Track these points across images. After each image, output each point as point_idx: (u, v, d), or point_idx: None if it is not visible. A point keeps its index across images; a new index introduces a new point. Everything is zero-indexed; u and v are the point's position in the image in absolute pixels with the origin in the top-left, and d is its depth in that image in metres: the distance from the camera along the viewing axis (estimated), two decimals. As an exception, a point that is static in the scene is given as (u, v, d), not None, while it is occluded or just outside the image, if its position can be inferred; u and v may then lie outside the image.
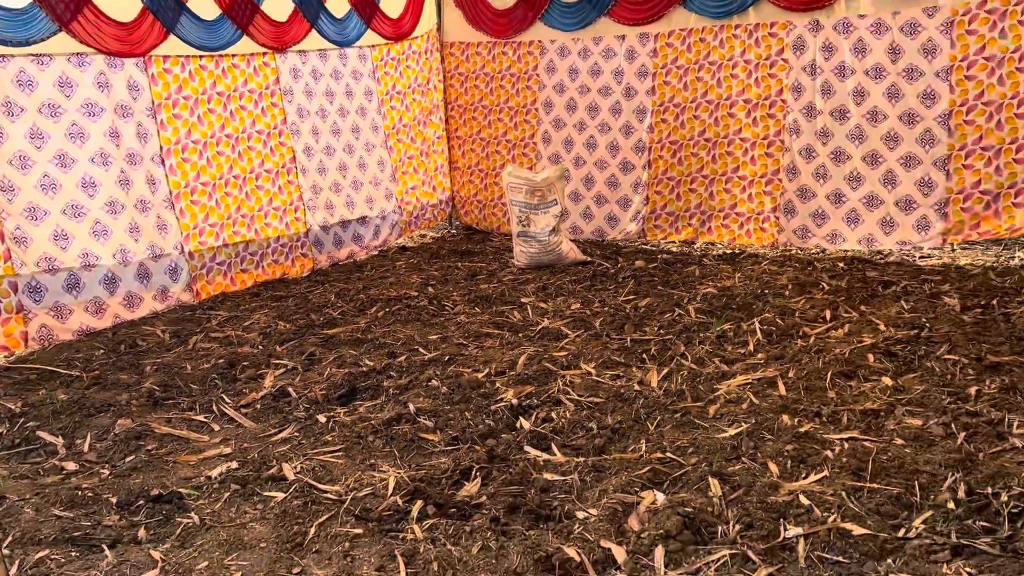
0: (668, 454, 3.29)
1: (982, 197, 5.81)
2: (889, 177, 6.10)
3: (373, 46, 7.40)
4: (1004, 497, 2.74)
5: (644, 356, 4.44)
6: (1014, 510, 2.65)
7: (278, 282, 6.55)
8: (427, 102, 7.97)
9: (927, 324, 4.53)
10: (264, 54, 6.49)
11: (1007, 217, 5.78)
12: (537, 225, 6.40)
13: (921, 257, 6.16)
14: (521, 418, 3.71)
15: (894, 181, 6.08)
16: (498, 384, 4.11)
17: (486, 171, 8.00)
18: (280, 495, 3.17)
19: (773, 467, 3.12)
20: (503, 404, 3.84)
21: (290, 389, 4.23)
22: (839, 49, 6.10)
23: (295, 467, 3.38)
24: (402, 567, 2.63)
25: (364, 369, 4.43)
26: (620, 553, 2.61)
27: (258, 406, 4.08)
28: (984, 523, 2.63)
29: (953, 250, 6.18)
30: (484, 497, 3.03)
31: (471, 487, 3.12)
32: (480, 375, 4.25)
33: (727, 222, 6.87)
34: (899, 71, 5.94)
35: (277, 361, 4.69)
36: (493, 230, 8.04)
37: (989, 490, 2.80)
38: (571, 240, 6.87)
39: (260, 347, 4.95)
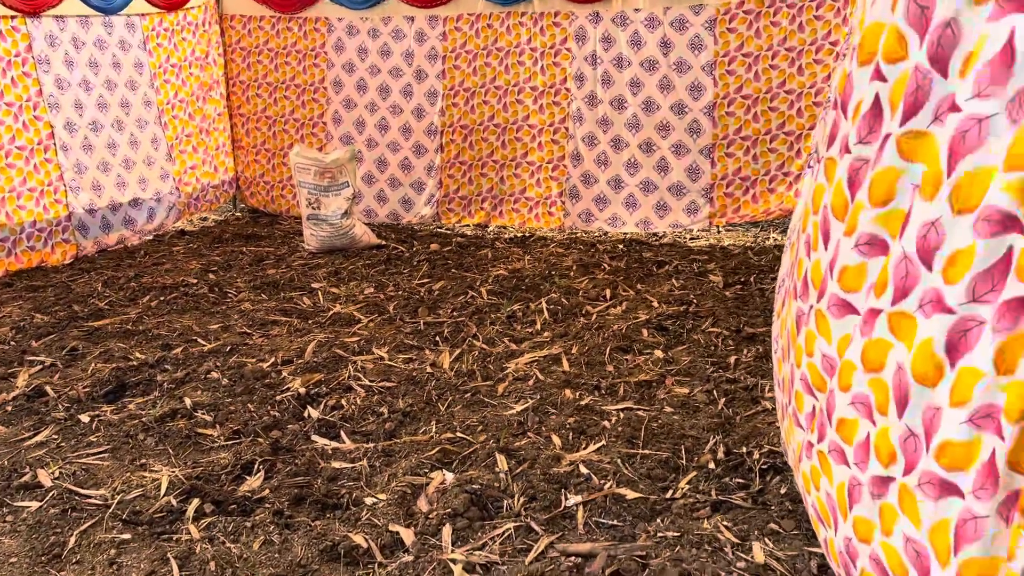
0: (458, 434, 3.33)
1: (742, 183, 6.38)
2: (662, 164, 6.53)
3: (143, 15, 6.82)
4: (756, 455, 3.02)
5: (437, 339, 4.45)
6: (764, 466, 2.94)
7: (35, 271, 5.90)
8: (206, 77, 7.48)
9: (694, 300, 4.91)
10: (13, 17, 5.79)
11: (763, 201, 6.39)
12: (328, 208, 6.23)
13: (691, 238, 6.65)
14: (309, 407, 3.60)
15: (666, 168, 6.51)
16: (285, 373, 3.96)
17: (273, 151, 7.66)
18: (35, 504, 2.86)
19: (556, 440, 3.25)
20: (290, 394, 3.71)
21: (47, 388, 3.83)
22: (617, 41, 6.43)
23: (52, 472, 3.07)
24: (175, 570, 2.46)
25: (134, 363, 4.10)
26: (408, 535, 2.60)
27: (9, 408, 3.66)
28: (739, 480, 2.89)
29: (719, 232, 6.74)
30: (267, 491, 2.91)
31: (253, 481, 2.98)
32: (265, 365, 4.07)
33: (517, 206, 7.05)
34: (670, 64, 6.35)
35: (32, 358, 4.22)
36: (282, 213, 7.73)
37: (744, 449, 3.08)
38: (365, 223, 6.75)
39: (12, 343, 4.44)
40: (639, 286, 5.28)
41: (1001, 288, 1.25)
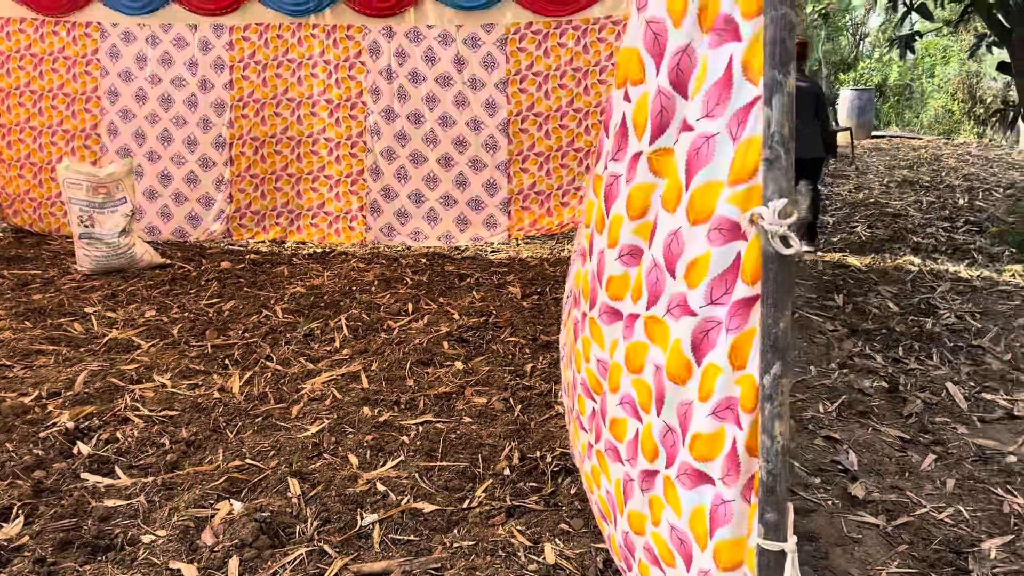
0: (248, 461, 3.17)
1: (537, 197, 6.61)
2: (461, 179, 6.63)
3: None
4: (549, 458, 3.12)
5: (227, 362, 4.23)
6: (556, 469, 3.04)
7: None
8: (-46, 82, 6.70)
9: (494, 311, 5.01)
10: None
11: (557, 215, 6.65)
12: (103, 226, 5.75)
13: (492, 251, 6.79)
14: (79, 443, 3.29)
15: (465, 183, 6.62)
16: (51, 407, 3.59)
17: (40, 165, 6.97)
18: None
19: (353, 459, 3.18)
20: (56, 430, 3.36)
21: None
22: (412, 56, 6.46)
23: None
24: (-92, 643, 2.15)
25: None
26: (191, 571, 2.44)
27: None
28: (533, 483, 2.97)
29: (517, 244, 6.93)
30: (27, 537, 2.62)
31: (10, 529, 2.67)
32: (27, 399, 3.67)
33: (316, 221, 6.88)
34: (465, 80, 6.47)
35: None
36: (51, 232, 7.05)
37: (538, 454, 3.17)
38: (147, 242, 6.30)
39: None
40: (441, 299, 5.31)
41: (732, 291, 1.38)
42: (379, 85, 6.56)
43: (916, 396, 3.76)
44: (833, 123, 13.15)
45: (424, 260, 6.36)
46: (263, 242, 6.95)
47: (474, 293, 5.44)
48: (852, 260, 6.26)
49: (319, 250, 6.76)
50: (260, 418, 3.57)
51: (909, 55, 6.30)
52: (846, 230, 7.25)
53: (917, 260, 6.24)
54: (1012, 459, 3.16)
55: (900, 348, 4.41)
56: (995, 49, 6.28)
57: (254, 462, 3.16)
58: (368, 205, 6.76)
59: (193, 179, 6.81)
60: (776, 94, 1.16)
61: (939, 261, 6.22)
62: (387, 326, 4.77)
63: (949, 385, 3.87)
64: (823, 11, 16.64)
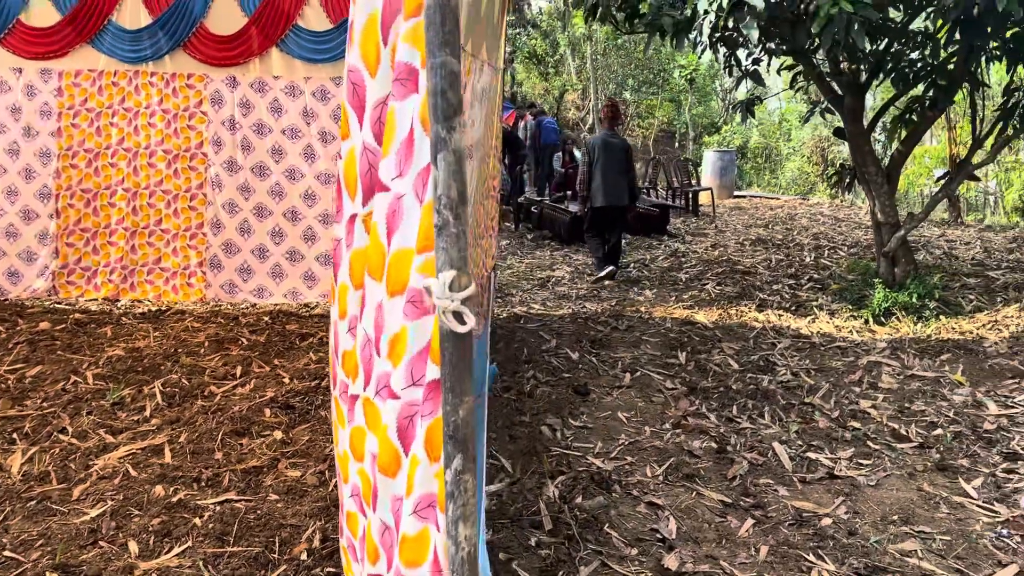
0: (6, 553, 2.78)
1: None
2: (310, 234, 6.37)
3: None
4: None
5: (15, 435, 3.79)
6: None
7: None
8: None
9: (328, 373, 4.74)
10: None
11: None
12: None
13: (342, 309, 6.51)
14: None
15: (314, 237, 6.36)
16: None
17: None
18: None
19: (133, 546, 2.84)
20: None
21: None
22: (256, 107, 6.22)
23: None
24: None
25: None
26: None
27: None
28: (331, 568, 2.71)
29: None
30: None
31: None
32: None
33: (152, 277, 6.44)
34: (315, 133, 6.27)
35: None
36: None
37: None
38: (-47, 301, 5.72)
39: None
40: (276, 361, 5.00)
41: (427, 371, 1.23)
42: (221, 136, 6.26)
43: (743, 457, 3.73)
44: (695, 182, 13.66)
45: (267, 318, 6.03)
46: (94, 300, 6.45)
47: (311, 355, 5.16)
48: (700, 317, 6.35)
49: (155, 308, 6.32)
50: (34, 501, 3.18)
51: (751, 118, 6.57)
52: (697, 287, 7.39)
53: (762, 317, 6.39)
54: (827, 522, 3.14)
55: (735, 407, 4.42)
56: (827, 115, 6.60)
57: (13, 554, 2.78)
58: (208, 260, 6.39)
59: (14, 232, 6.27)
60: (441, 151, 1.02)
61: (782, 318, 6.38)
62: (208, 392, 4.43)
63: (776, 444, 3.87)
64: (688, 76, 17.49)
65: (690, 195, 12.80)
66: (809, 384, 4.82)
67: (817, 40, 4.67)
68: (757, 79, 5.51)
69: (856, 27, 4.54)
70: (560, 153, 14.33)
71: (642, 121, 21.66)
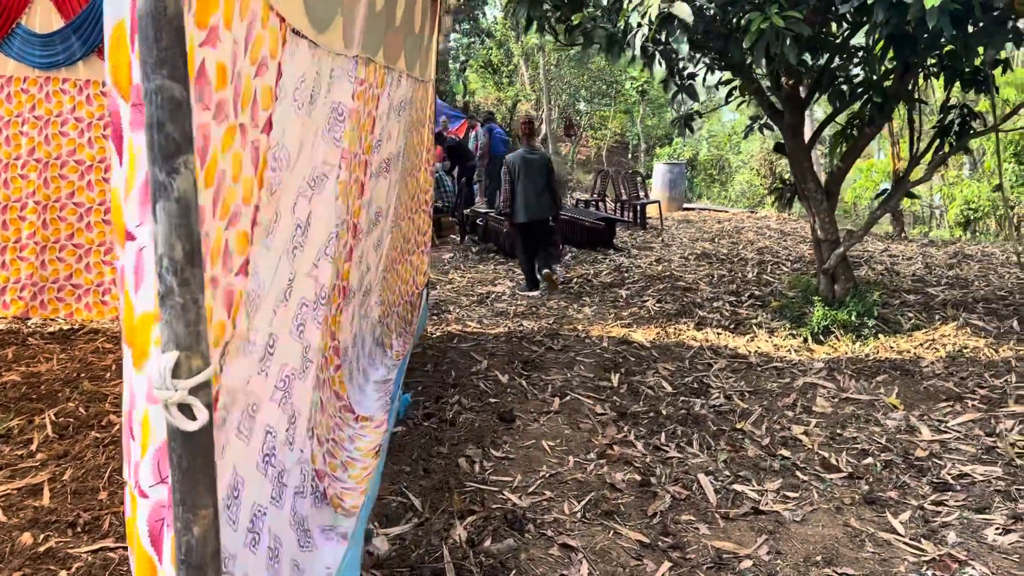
0: None
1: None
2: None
3: None
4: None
5: None
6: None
7: None
8: None
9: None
10: None
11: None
12: None
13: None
14: None
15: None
16: None
17: None
18: None
19: (-15, 607, 2.56)
20: None
21: None
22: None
23: None
24: None
25: None
26: None
27: None
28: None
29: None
30: None
31: None
32: None
33: (63, 295, 6.10)
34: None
35: None
36: None
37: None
38: None
39: None
40: (187, 386, 4.71)
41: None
42: (138, 146, 5.95)
43: (667, 490, 3.56)
44: (643, 195, 13.60)
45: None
46: (3, 319, 6.08)
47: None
48: (638, 336, 6.20)
49: (68, 327, 5.98)
50: None
51: (691, 133, 6.47)
52: (638, 304, 7.25)
53: (700, 336, 6.26)
54: (747, 564, 2.97)
55: (664, 434, 4.25)
56: (766, 131, 6.52)
57: None
58: (124, 278, 6.06)
59: (-88, 247, 5.89)
60: (161, 200, 0.82)
61: (721, 336, 6.26)
62: (106, 422, 4.14)
63: (702, 476, 3.71)
64: (639, 88, 17.50)
65: (638, 208, 12.73)
66: (742, 408, 4.69)
67: (751, 55, 4.56)
68: (691, 94, 5.40)
69: (788, 42, 4.44)
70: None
71: (595, 132, 21.63)
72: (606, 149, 22.40)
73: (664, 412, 4.57)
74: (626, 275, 8.61)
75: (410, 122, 5.01)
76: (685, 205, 15.56)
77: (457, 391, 4.81)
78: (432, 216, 10.79)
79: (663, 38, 4.51)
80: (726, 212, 15.01)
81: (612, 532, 3.19)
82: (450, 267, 9.21)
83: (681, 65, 5.66)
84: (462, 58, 20.86)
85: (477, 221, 10.92)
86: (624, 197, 13.09)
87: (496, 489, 3.54)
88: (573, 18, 5.23)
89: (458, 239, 11.04)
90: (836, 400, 4.86)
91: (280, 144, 1.79)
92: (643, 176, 14.13)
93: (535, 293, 7.68)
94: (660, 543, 3.11)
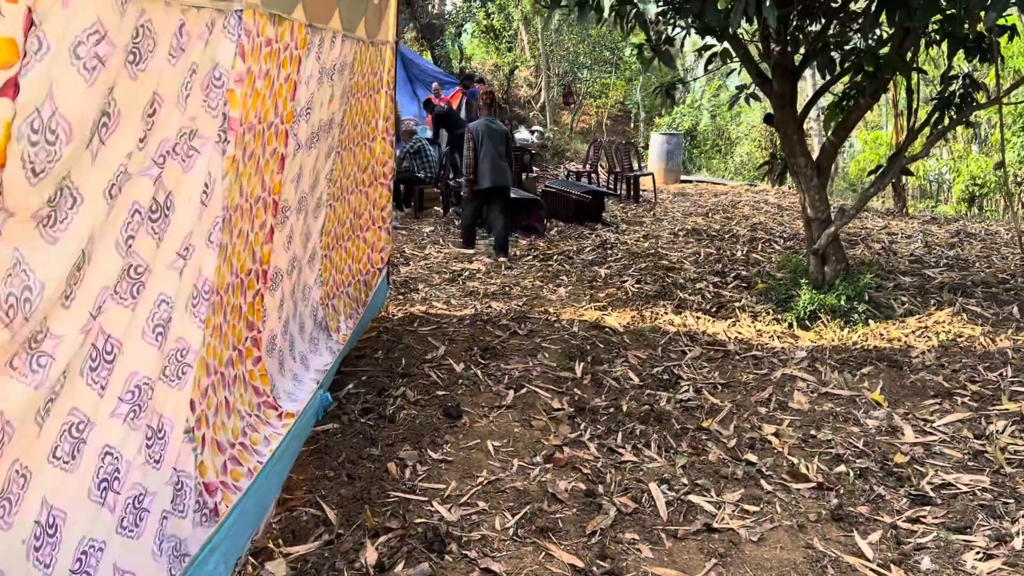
0: None
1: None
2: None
3: None
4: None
5: None
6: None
7: None
8: None
9: None
10: None
11: None
12: None
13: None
14: None
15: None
16: None
17: None
18: None
19: None
20: None
21: None
22: None
23: None
24: None
25: None
26: None
27: None
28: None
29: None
30: None
31: None
32: None
33: None
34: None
35: None
36: None
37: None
38: None
39: None
40: None
41: None
42: None
43: (613, 503, 3.22)
44: (640, 166, 13.13)
45: None
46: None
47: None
48: (611, 320, 5.83)
49: None
50: None
51: (672, 104, 6.04)
52: (617, 284, 6.88)
53: (678, 320, 5.89)
54: (689, 595, 2.63)
55: (621, 433, 3.90)
56: (754, 101, 6.08)
57: None
58: None
59: None
60: None
61: (700, 321, 5.89)
62: None
63: (654, 486, 3.36)
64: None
65: (631, 180, 12.29)
66: (711, 404, 4.33)
67: (728, 17, 4.13)
68: (667, 60, 4.96)
69: (768, 3, 4.01)
70: (499, 134, 13.72)
71: (596, 101, 21.08)
72: (608, 118, 21.86)
73: (625, 408, 4.22)
74: (610, 252, 8.22)
75: (355, 87, 4.61)
76: (683, 177, 15.10)
77: (405, 382, 4.46)
78: (410, 188, 10.42)
79: (630, -3, 4.08)
80: (724, 185, 14.55)
81: (544, 554, 2.85)
82: (429, 241, 8.84)
83: (659, 28, 5.23)
84: (458, 22, 20.25)
85: (461, 193, 10.50)
86: (617, 169, 12.63)
87: (424, 499, 3.20)
88: (542, -25, 4.79)
89: (441, 211, 10.65)
90: (815, 395, 4.50)
91: (50, 113, 1.42)
92: (637, 147, 13.66)
93: (470, 251, 8.01)
94: (595, 568, 2.76)
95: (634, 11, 4.51)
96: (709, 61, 5.83)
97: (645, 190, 12.72)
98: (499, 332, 5.45)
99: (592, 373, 4.75)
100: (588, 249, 8.40)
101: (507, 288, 6.74)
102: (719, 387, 4.61)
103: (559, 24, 19.93)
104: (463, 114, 12.82)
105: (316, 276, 4.51)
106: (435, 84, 14.78)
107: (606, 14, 4.35)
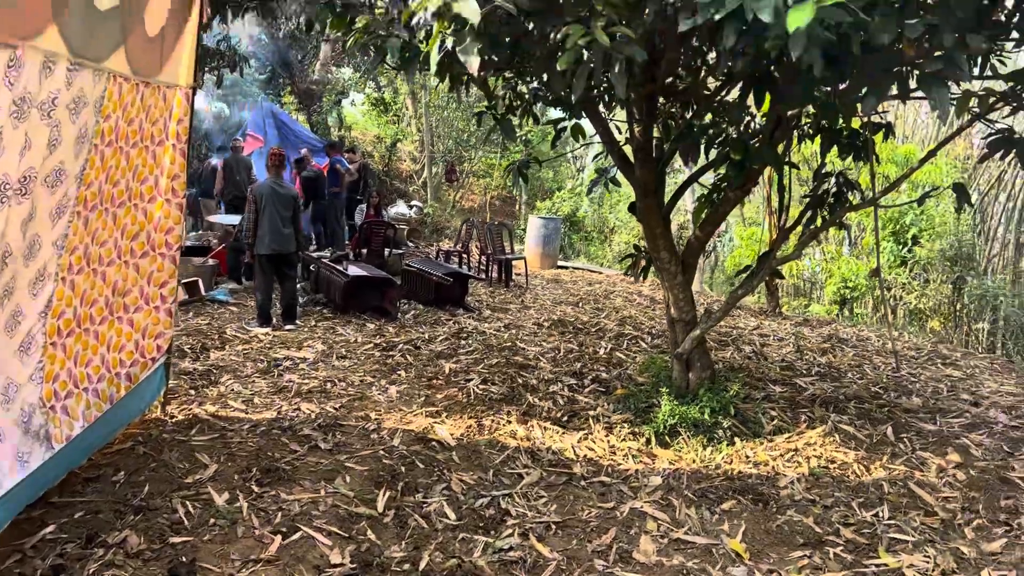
0: None
1: None
2: None
3: None
4: None
5: None
6: None
7: None
8: None
9: None
10: None
11: None
12: None
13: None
14: None
15: None
16: None
17: None
18: None
19: None
20: None
21: None
22: None
23: None
24: None
25: None
26: None
27: None
28: None
29: None
30: None
31: None
32: None
33: None
34: None
35: None
36: None
37: None
38: None
39: None
40: None
41: None
42: None
43: None
44: (513, 249, 12.43)
45: None
46: None
47: None
48: (443, 430, 4.91)
49: None
50: None
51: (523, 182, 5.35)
52: (460, 383, 5.98)
53: (522, 432, 5.03)
54: None
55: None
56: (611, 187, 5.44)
57: None
58: None
59: None
60: None
61: (547, 433, 5.05)
62: None
63: None
64: (524, 137, 16.60)
65: (503, 263, 11.58)
66: (537, 556, 3.43)
67: (569, 82, 3.43)
68: (507, 131, 4.26)
69: (617, 68, 3.33)
70: (365, 205, 12.86)
71: (478, 180, 20.60)
72: (497, 199, 21.37)
73: (424, 564, 3.26)
74: (464, 342, 7.35)
75: (110, 133, 3.63)
76: (559, 263, 14.56)
77: (135, 522, 3.36)
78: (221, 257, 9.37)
79: (451, 47, 3.32)
80: (600, 273, 14.07)
81: None
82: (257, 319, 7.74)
83: (501, 92, 4.54)
84: (340, 90, 19.47)
85: (311, 267, 9.51)
86: (489, 250, 11.93)
87: None
88: (358, 21, 3.99)
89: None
90: (665, 541, 3.68)
91: None
92: (511, 229, 13.03)
93: (266, 329, 7.43)
94: None
95: (462, 72, 3.78)
96: (556, 137, 5.16)
97: (518, 274, 12.04)
98: (296, 446, 4.43)
99: (398, 507, 3.78)
100: (441, 338, 7.50)
101: (329, 384, 5.73)
102: (552, 528, 3.73)
103: (448, 100, 19.48)
104: (327, 183, 11.91)
105: (34, 371, 3.41)
106: (304, 150, 13.86)
107: (432, 70, 3.58)
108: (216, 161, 12.32)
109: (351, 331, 7.62)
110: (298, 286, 9.09)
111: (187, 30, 4.37)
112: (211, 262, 9.21)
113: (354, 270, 8.68)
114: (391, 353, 6.79)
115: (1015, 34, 4.05)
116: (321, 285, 9.07)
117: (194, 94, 4.59)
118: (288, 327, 7.59)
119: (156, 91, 4.10)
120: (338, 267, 8.83)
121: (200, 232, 11.38)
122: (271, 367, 6.07)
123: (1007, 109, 4.26)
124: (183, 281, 8.37)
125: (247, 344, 6.79)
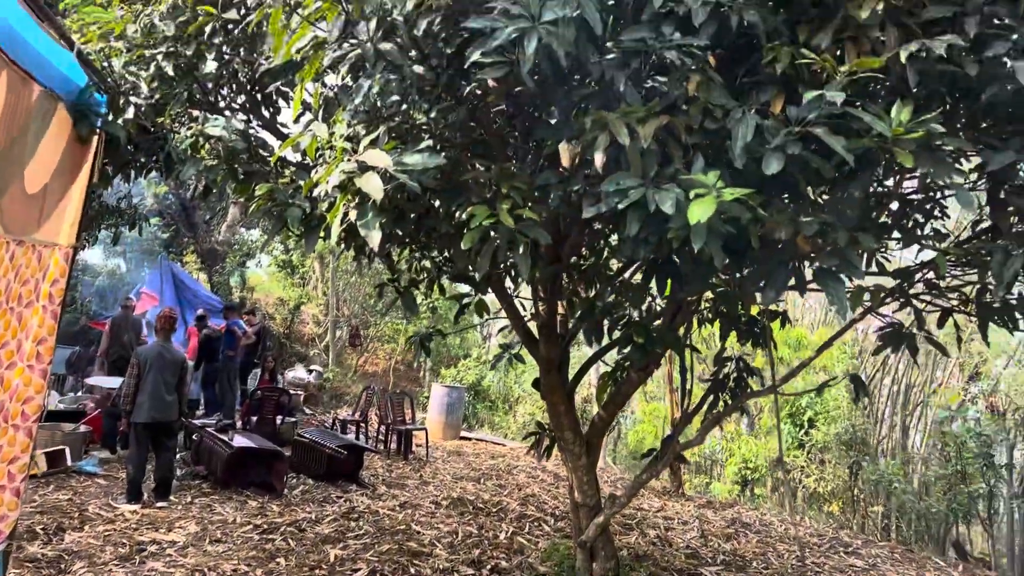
0: None
1: None
2: None
3: None
4: None
5: None
6: None
7: None
8: None
9: None
10: None
11: None
12: None
13: None
14: None
15: None
16: None
17: None
18: None
19: None
20: None
21: None
22: None
23: None
24: None
25: None
26: None
27: None
28: None
29: None
30: None
31: None
32: None
33: None
34: None
35: None
36: None
37: None
38: None
39: None
40: None
41: None
42: None
43: None
44: (414, 419, 12.02)
45: None
46: None
47: None
48: (320, 632, 4.38)
49: None
50: None
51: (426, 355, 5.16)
52: (347, 573, 5.46)
53: (410, 632, 4.55)
54: None
55: None
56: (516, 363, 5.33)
57: None
58: None
59: None
60: None
61: (438, 634, 4.57)
62: None
63: None
64: (431, 304, 16.65)
65: (403, 434, 11.15)
66: None
67: (472, 261, 3.35)
68: (409, 304, 4.13)
69: (522, 250, 3.28)
70: (260, 370, 12.35)
71: (383, 345, 20.33)
72: (402, 364, 21.05)
73: None
74: (354, 524, 6.83)
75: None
76: (463, 433, 14.17)
77: None
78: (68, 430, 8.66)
79: (353, 220, 3.22)
80: (504, 446, 13.72)
81: None
82: (124, 495, 7.04)
83: (405, 265, 4.45)
84: (245, 251, 19.27)
85: (193, 436, 8.87)
86: (389, 420, 11.50)
87: None
88: (258, 189, 3.89)
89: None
90: None
91: None
92: (413, 397, 12.68)
93: (134, 507, 6.72)
94: None
95: (365, 244, 3.68)
96: (460, 312, 5.07)
97: (419, 445, 11.59)
98: (147, 653, 3.84)
99: None
100: (329, 519, 6.95)
101: (197, 574, 5.12)
102: None
103: (355, 266, 19.51)
104: (223, 345, 11.42)
105: None
106: (201, 311, 13.39)
107: (333, 240, 3.46)
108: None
109: (230, 509, 6.99)
110: (178, 456, 8.40)
111: (75, 188, 4.15)
112: (83, 429, 8.47)
113: (240, 441, 8.13)
114: (271, 536, 6.21)
115: (897, 234, 4.29)
116: (203, 456, 8.41)
117: (74, 254, 4.31)
118: (160, 504, 6.90)
119: (30, 250, 3.82)
120: (222, 437, 8.25)
121: (78, 394, 10.60)
122: (133, 553, 5.42)
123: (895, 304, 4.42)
124: (47, 451, 7.62)
125: (110, 524, 6.10)
